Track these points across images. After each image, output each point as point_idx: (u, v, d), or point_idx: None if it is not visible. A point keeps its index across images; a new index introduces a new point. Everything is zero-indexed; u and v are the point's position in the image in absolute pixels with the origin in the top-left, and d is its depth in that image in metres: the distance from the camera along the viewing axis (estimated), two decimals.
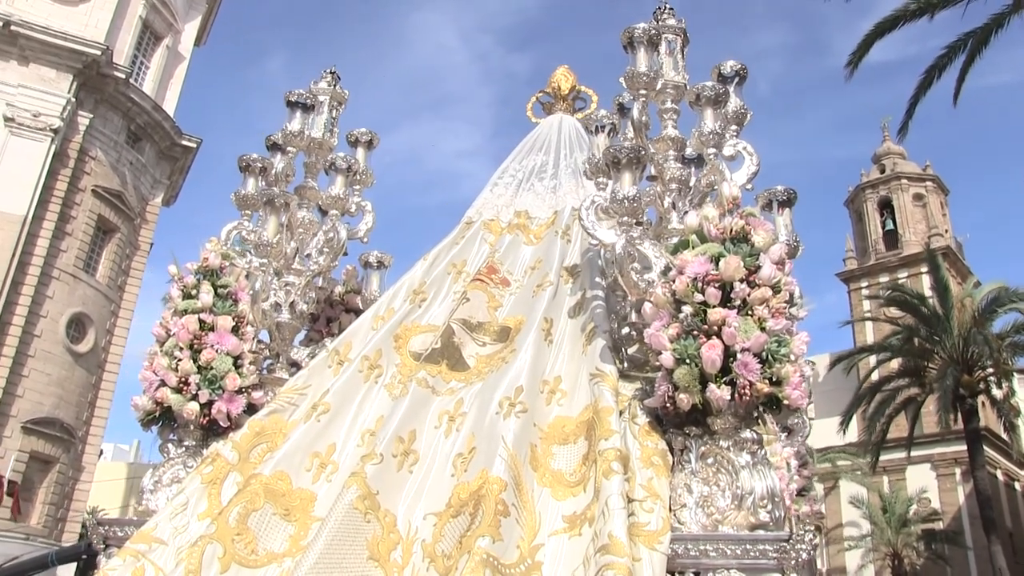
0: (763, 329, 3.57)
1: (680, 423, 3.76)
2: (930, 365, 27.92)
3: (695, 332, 3.61)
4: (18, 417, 23.97)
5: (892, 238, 45.74)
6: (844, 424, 30.86)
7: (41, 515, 24.18)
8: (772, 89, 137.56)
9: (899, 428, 31.78)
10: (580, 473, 3.68)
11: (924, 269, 39.52)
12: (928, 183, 46.91)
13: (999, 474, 39.95)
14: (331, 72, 5.86)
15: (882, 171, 47.60)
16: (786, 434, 6.85)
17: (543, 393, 4.15)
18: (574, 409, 4.03)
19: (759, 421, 3.83)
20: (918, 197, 46.28)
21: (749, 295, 3.64)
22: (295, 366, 5.21)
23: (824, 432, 36.79)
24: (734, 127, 4.96)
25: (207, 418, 4.57)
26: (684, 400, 3.58)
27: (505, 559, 3.22)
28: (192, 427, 4.63)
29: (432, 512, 3.67)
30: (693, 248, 3.87)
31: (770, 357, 3.55)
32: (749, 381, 3.49)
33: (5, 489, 21.92)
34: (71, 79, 26.98)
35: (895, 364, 30.91)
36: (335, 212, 5.32)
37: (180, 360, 4.59)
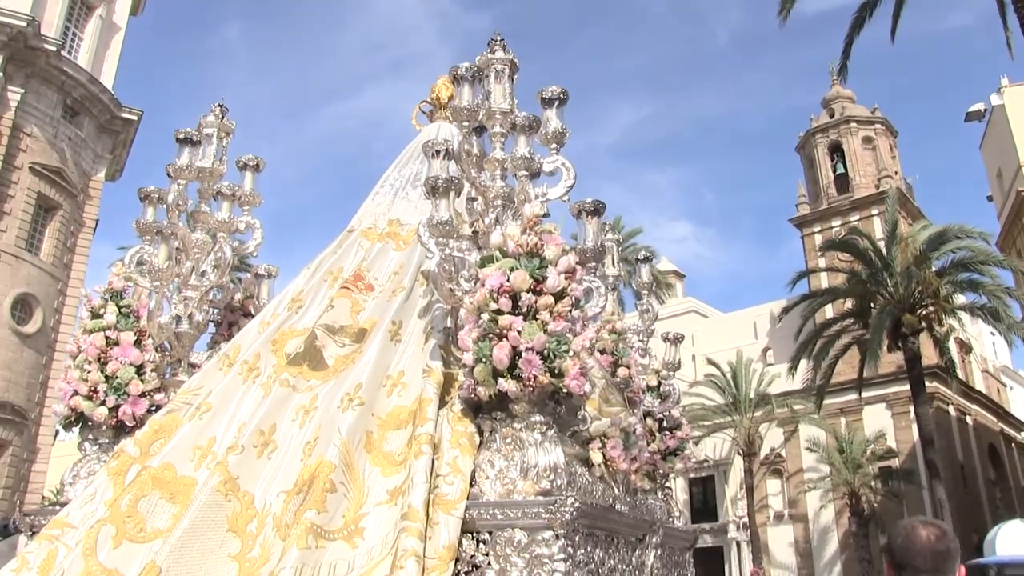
0: (545, 331, 4.49)
1: (490, 409, 4.66)
2: (876, 306, 28.27)
3: (490, 335, 4.51)
4: None
5: (843, 182, 46.36)
6: (792, 369, 31.49)
7: None
8: (731, 39, 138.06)
9: (854, 369, 31.92)
10: (404, 454, 4.55)
11: (875, 212, 40.60)
12: (877, 125, 47.52)
13: (951, 409, 41.00)
14: (220, 105, 6.64)
15: (831, 115, 48.14)
16: (659, 400, 7.81)
17: (385, 387, 5.00)
18: (409, 399, 4.90)
19: (558, 405, 4.75)
20: (867, 140, 46.93)
21: (536, 303, 4.55)
22: (195, 369, 6.10)
23: (785, 377, 37.29)
24: (554, 145, 5.85)
25: (115, 420, 5.49)
26: (482, 392, 4.49)
27: (330, 526, 4.14)
28: (104, 427, 5.55)
29: (283, 490, 4.55)
30: (496, 263, 4.77)
31: (551, 354, 4.46)
32: (534, 375, 4.42)
33: None
34: None
35: (848, 306, 31.32)
36: (222, 234, 6.18)
37: (90, 372, 5.48)
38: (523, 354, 4.42)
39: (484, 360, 4.47)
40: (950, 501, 29.24)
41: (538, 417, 4.55)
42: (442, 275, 4.99)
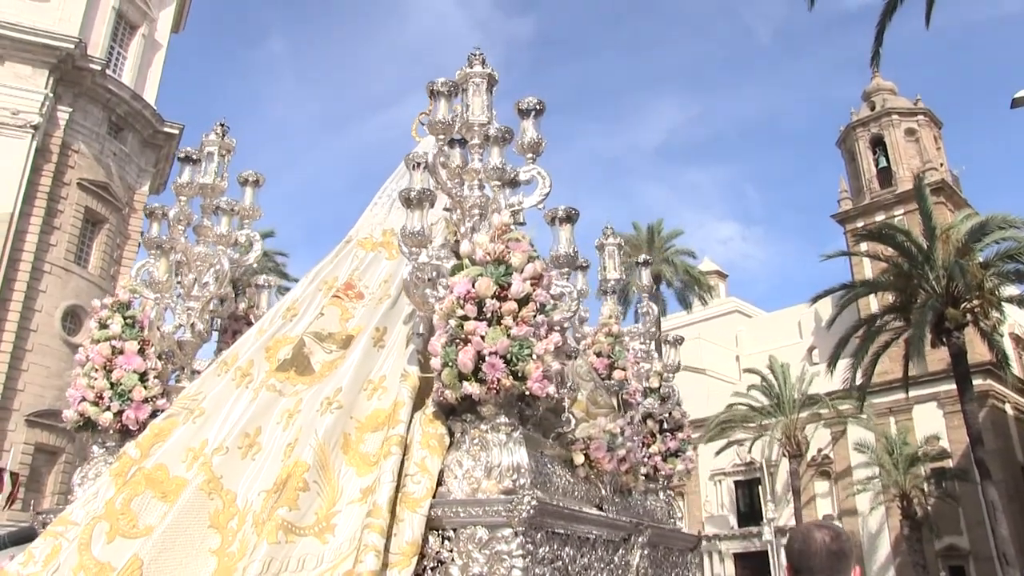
0: (509, 336, 4.71)
1: (461, 412, 4.88)
2: (918, 301, 27.46)
3: (457, 340, 4.73)
4: (21, 411, 25.17)
5: (886, 175, 45.62)
6: (831, 366, 30.86)
7: (51, 504, 24.85)
8: (771, 35, 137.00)
9: (902, 368, 30.67)
10: (378, 454, 4.80)
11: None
12: (920, 117, 46.75)
13: (1008, 407, 39.72)
14: (221, 124, 6.98)
15: (872, 108, 47.55)
16: (660, 401, 8.00)
17: (365, 391, 5.25)
18: (388, 403, 5.13)
19: (528, 407, 4.96)
20: (910, 132, 46.16)
21: (500, 308, 4.76)
22: (198, 375, 6.43)
23: (825, 376, 35.03)
24: (531, 155, 6.06)
25: (120, 424, 5.85)
26: (449, 395, 4.73)
27: (301, 523, 4.38)
28: (110, 431, 5.92)
29: (264, 490, 4.79)
30: (464, 270, 5.00)
31: (514, 358, 4.66)
32: (497, 378, 4.64)
33: (6, 482, 22.76)
34: (47, 74, 27.73)
35: (890, 301, 30.53)
36: (221, 247, 6.51)
37: (96, 379, 5.85)
38: (487, 358, 4.62)
39: (451, 364, 4.69)
40: (1010, 504, 28.31)
41: (503, 419, 4.74)
42: (415, 283, 5.23)
